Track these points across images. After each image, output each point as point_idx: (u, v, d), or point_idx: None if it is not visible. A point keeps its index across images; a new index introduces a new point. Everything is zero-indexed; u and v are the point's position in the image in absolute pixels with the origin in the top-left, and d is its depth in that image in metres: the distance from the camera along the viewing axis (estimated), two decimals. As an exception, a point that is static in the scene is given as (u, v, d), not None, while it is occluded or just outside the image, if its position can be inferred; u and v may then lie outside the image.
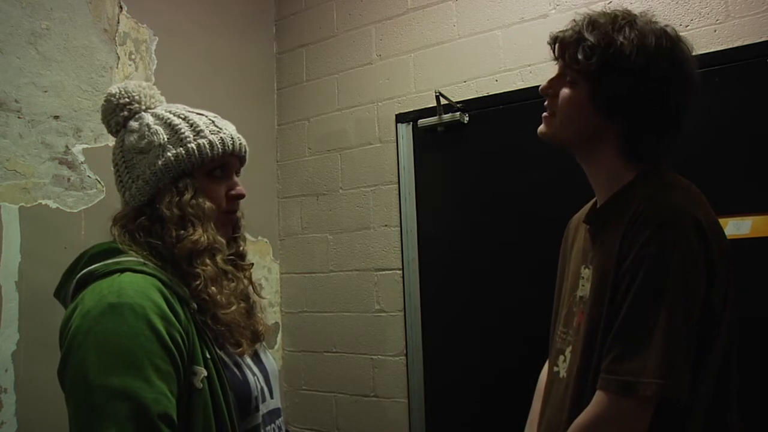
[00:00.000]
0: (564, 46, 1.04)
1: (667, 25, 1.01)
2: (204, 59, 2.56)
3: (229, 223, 1.11)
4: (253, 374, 1.03)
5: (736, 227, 1.79)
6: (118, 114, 1.07)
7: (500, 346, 2.18)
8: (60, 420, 2.02)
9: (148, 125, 1.04)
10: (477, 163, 2.29)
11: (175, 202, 0.98)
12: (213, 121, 1.09)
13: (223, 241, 1.04)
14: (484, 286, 2.24)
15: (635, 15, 1.01)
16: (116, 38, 2.23)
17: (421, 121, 2.38)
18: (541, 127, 1.09)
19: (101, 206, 2.12)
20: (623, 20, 0.98)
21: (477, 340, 2.24)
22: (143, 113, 1.07)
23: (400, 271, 2.44)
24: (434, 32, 2.43)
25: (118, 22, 2.24)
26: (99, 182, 2.12)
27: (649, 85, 0.96)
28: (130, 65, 2.27)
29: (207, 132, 1.05)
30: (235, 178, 1.13)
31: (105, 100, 1.08)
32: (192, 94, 2.50)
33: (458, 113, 2.28)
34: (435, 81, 2.40)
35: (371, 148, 2.57)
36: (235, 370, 0.99)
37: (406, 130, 2.47)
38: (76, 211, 2.05)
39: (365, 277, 2.54)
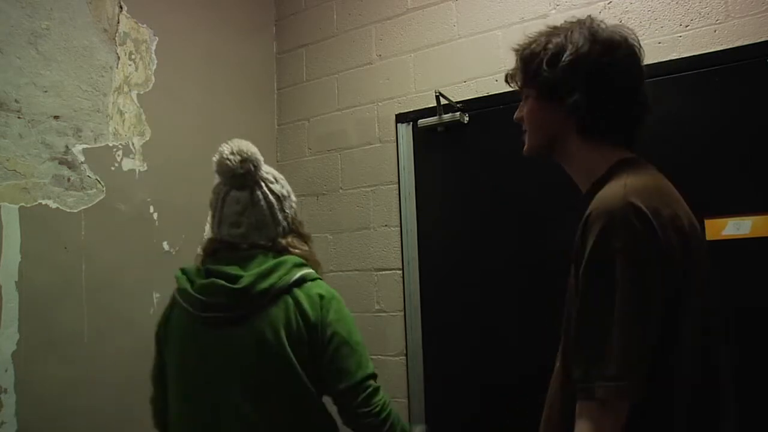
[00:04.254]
0: (514, 78, 1.14)
1: (601, 22, 1.06)
2: (204, 59, 2.56)
3: None
4: None
5: (736, 227, 1.79)
6: (246, 167, 1.33)
7: (500, 346, 2.18)
8: (60, 420, 2.04)
9: (276, 178, 1.42)
10: (477, 163, 2.29)
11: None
12: None
13: None
14: (485, 286, 2.24)
15: (569, 25, 1.07)
16: (116, 38, 2.23)
17: (421, 121, 2.38)
18: (525, 148, 1.17)
19: (101, 206, 2.12)
20: (554, 32, 1.06)
21: (477, 340, 2.24)
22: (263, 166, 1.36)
23: (400, 271, 2.44)
24: (434, 32, 2.43)
25: (118, 22, 2.24)
26: (99, 182, 2.12)
27: (579, 68, 1.02)
28: (130, 65, 2.27)
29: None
30: None
31: (228, 159, 1.30)
32: (192, 94, 2.51)
33: (458, 113, 2.28)
34: (435, 81, 2.40)
35: (371, 148, 2.57)
36: None
37: (406, 130, 2.47)
38: (76, 211, 2.05)
39: (365, 277, 2.54)
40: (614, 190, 0.94)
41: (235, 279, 1.20)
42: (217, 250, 1.31)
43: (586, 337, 0.90)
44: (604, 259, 0.89)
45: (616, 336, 0.86)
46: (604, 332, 0.87)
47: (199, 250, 1.39)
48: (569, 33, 1.03)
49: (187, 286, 1.24)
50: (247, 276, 1.19)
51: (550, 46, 1.04)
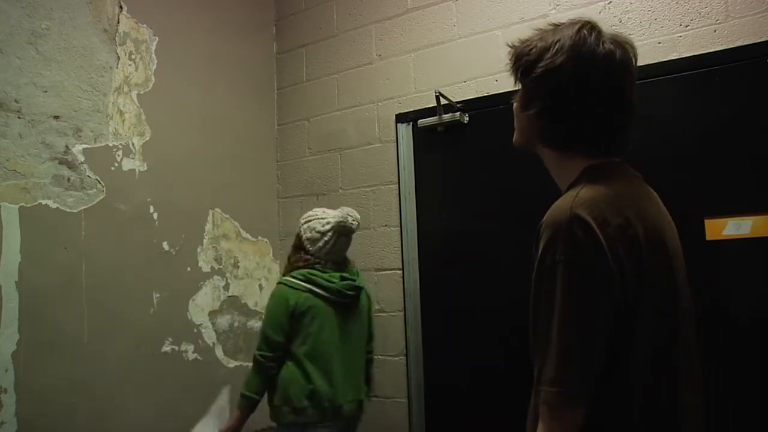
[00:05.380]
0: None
1: (585, 25, 1.03)
2: (204, 59, 2.56)
3: None
4: None
5: (736, 227, 1.79)
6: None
7: (500, 346, 2.18)
8: (60, 420, 2.04)
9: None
10: (477, 163, 2.29)
11: None
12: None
13: None
14: (485, 286, 2.24)
15: (565, 28, 1.05)
16: (116, 38, 2.23)
17: (421, 121, 2.38)
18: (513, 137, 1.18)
19: (101, 206, 2.12)
20: (545, 36, 1.05)
21: (477, 340, 2.24)
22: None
23: (400, 271, 2.44)
24: (434, 32, 2.43)
25: (118, 22, 2.24)
26: (99, 182, 2.12)
27: (538, 74, 1.02)
28: (130, 65, 2.27)
29: None
30: None
31: (351, 222, 2.09)
32: (192, 94, 2.51)
33: (458, 113, 2.28)
34: (435, 81, 2.40)
35: (371, 148, 2.57)
36: None
37: (406, 130, 2.47)
38: (76, 211, 2.05)
39: (365, 277, 2.53)
40: (564, 201, 0.97)
41: (354, 280, 2.11)
42: (324, 264, 2.07)
43: (536, 344, 0.95)
44: (547, 269, 0.93)
45: (554, 343, 0.91)
46: (548, 339, 0.92)
47: (302, 263, 2.07)
48: (556, 41, 1.02)
49: (329, 284, 2.03)
50: (359, 279, 2.13)
51: (533, 52, 1.04)
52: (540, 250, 0.94)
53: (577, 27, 1.03)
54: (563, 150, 1.06)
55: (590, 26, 1.03)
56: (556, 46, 1.01)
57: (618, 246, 0.91)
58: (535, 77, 1.03)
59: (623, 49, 1.02)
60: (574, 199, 0.95)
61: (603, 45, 1.01)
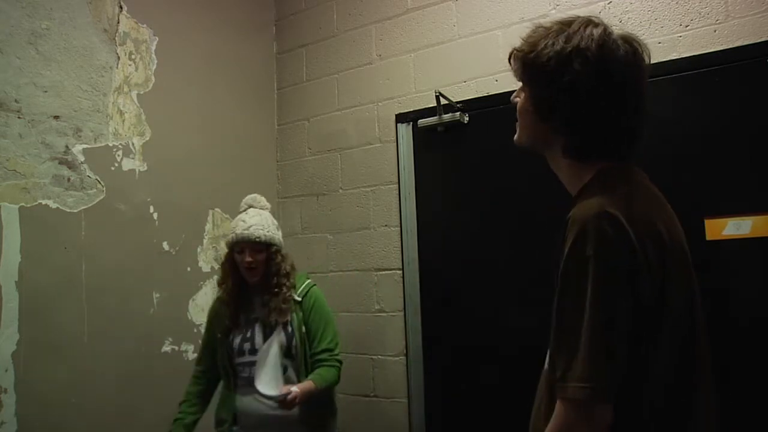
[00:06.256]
0: (512, 58, 1.10)
1: (605, 29, 1.01)
2: (204, 59, 2.56)
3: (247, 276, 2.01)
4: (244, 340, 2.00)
5: (736, 227, 1.79)
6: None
7: (500, 346, 2.18)
8: (60, 420, 2.03)
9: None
10: (477, 163, 2.29)
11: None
12: (244, 221, 1.99)
13: (231, 286, 2.03)
14: (485, 286, 2.24)
15: (575, 21, 1.02)
16: (116, 38, 2.23)
17: (421, 121, 2.38)
18: (515, 136, 1.15)
19: (101, 206, 2.12)
20: (560, 37, 1.01)
21: (477, 340, 2.24)
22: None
23: (400, 271, 2.44)
24: (434, 32, 2.43)
25: (118, 22, 2.24)
26: (99, 182, 2.12)
27: (563, 86, 0.99)
28: (130, 65, 2.27)
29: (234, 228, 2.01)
30: (246, 255, 1.96)
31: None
32: (192, 94, 2.51)
33: (458, 113, 2.28)
34: (435, 81, 2.40)
35: (371, 148, 2.57)
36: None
37: (406, 130, 2.47)
38: (76, 211, 2.05)
39: (365, 277, 2.54)
40: (591, 200, 0.96)
41: None
42: None
43: (562, 340, 0.94)
44: (577, 265, 0.92)
45: (584, 340, 0.89)
46: (577, 336, 0.90)
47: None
48: (576, 47, 0.98)
49: None
50: None
51: (551, 63, 0.99)
52: (567, 246, 0.93)
53: (598, 33, 0.99)
54: (579, 159, 1.04)
55: (607, 32, 1.00)
56: (579, 52, 0.98)
57: (645, 242, 0.91)
58: (556, 90, 1.00)
59: (638, 51, 1.01)
60: (603, 197, 0.95)
61: (622, 51, 0.99)
